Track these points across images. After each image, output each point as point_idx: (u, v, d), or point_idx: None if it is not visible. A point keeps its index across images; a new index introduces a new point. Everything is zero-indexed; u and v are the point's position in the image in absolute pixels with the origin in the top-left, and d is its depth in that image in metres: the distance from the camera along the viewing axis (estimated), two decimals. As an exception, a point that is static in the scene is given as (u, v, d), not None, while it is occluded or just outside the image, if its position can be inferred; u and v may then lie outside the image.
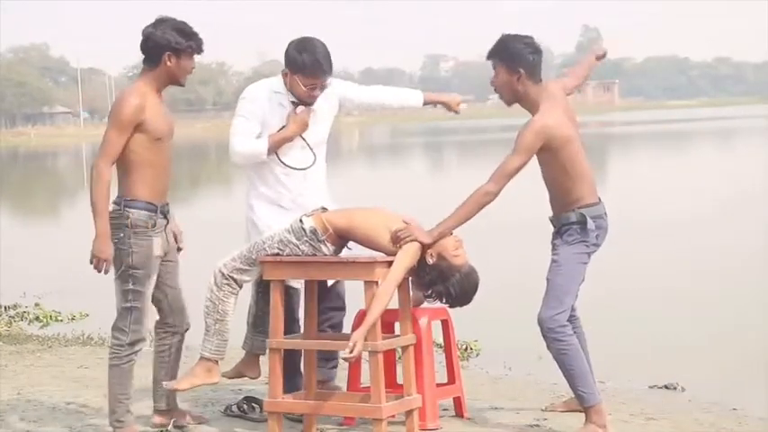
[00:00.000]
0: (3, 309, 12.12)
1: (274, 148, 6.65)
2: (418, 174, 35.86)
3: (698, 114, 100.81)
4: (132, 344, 6.20)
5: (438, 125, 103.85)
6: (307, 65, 6.58)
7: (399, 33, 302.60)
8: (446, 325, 6.54)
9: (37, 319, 11.88)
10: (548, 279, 6.20)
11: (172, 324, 6.46)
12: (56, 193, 38.79)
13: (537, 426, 6.48)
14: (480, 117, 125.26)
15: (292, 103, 6.70)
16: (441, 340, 6.72)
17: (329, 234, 6.11)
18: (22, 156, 76.99)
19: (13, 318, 11.83)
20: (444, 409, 6.59)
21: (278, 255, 6.12)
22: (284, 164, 6.68)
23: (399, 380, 6.52)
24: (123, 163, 6.14)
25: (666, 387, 7.94)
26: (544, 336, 6.16)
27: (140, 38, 6.20)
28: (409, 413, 6.14)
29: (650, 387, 7.96)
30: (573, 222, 6.17)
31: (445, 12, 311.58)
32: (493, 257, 14.37)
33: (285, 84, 6.70)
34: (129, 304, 6.17)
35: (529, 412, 6.80)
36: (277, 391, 6.22)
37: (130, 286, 6.15)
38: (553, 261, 6.21)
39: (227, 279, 6.19)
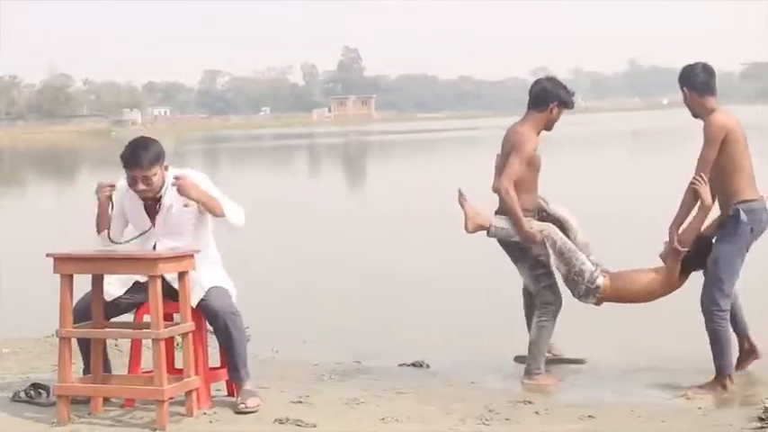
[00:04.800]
0: None
1: (99, 225, 6.39)
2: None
3: (444, 126, 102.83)
4: (555, 311, 7.35)
5: (214, 134, 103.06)
6: (124, 158, 6.27)
7: (179, 49, 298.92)
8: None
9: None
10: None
11: None
12: None
13: (300, 402, 6.53)
14: (253, 127, 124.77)
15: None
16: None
17: (601, 296, 7.30)
18: None
19: None
20: (217, 390, 6.57)
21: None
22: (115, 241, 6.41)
23: (176, 365, 6.49)
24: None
25: (414, 365, 8.03)
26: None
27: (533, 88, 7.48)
28: (189, 394, 6.13)
29: (400, 365, 8.04)
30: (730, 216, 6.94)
31: (223, 30, 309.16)
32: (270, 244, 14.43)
33: None
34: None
35: (294, 390, 6.83)
36: (66, 376, 6.11)
37: (540, 270, 7.33)
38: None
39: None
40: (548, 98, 7.37)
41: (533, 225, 7.28)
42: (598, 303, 7.41)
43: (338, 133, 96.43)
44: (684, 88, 7.08)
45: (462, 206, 7.36)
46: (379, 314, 10.32)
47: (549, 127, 7.43)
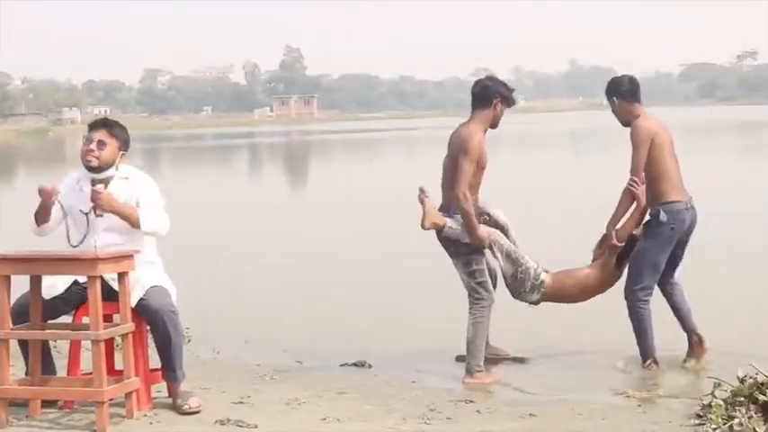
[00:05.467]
0: None
1: (37, 217, 6.35)
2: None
3: (386, 125, 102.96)
4: (487, 306, 7.48)
5: (155, 133, 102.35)
6: (93, 121, 6.57)
7: (119, 47, 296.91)
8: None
9: None
10: None
11: None
12: None
13: (241, 402, 6.52)
14: (194, 126, 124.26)
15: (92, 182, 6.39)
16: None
17: (545, 291, 7.57)
18: None
19: None
20: (158, 391, 6.52)
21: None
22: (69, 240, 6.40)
23: (116, 366, 6.43)
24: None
25: (355, 364, 8.02)
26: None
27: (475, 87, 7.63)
28: (129, 395, 6.09)
29: (341, 365, 8.02)
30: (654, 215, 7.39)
31: (164, 29, 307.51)
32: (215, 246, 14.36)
33: None
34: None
35: (235, 390, 6.81)
36: (4, 379, 6.04)
37: (474, 267, 7.46)
38: None
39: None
40: (490, 95, 7.56)
41: (482, 230, 7.42)
42: (538, 302, 7.69)
43: (280, 133, 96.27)
44: (613, 98, 7.58)
45: (422, 203, 7.49)
46: (320, 314, 10.31)
47: (494, 124, 7.61)
